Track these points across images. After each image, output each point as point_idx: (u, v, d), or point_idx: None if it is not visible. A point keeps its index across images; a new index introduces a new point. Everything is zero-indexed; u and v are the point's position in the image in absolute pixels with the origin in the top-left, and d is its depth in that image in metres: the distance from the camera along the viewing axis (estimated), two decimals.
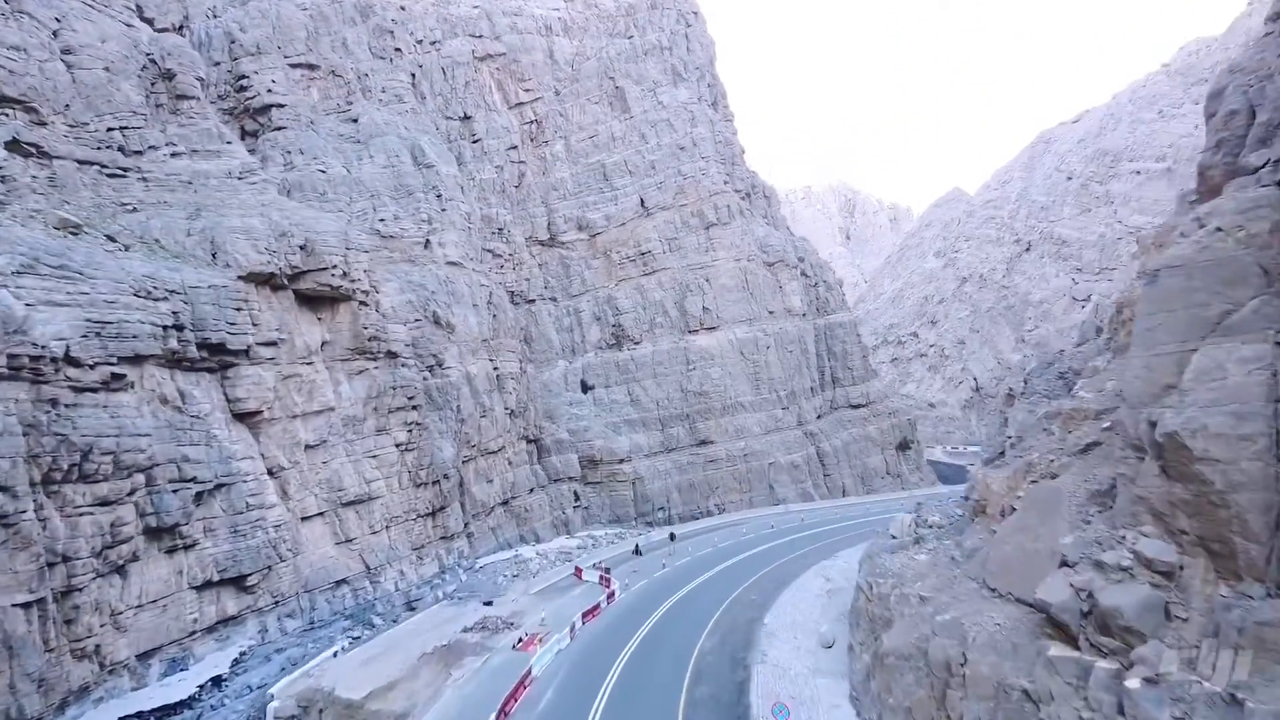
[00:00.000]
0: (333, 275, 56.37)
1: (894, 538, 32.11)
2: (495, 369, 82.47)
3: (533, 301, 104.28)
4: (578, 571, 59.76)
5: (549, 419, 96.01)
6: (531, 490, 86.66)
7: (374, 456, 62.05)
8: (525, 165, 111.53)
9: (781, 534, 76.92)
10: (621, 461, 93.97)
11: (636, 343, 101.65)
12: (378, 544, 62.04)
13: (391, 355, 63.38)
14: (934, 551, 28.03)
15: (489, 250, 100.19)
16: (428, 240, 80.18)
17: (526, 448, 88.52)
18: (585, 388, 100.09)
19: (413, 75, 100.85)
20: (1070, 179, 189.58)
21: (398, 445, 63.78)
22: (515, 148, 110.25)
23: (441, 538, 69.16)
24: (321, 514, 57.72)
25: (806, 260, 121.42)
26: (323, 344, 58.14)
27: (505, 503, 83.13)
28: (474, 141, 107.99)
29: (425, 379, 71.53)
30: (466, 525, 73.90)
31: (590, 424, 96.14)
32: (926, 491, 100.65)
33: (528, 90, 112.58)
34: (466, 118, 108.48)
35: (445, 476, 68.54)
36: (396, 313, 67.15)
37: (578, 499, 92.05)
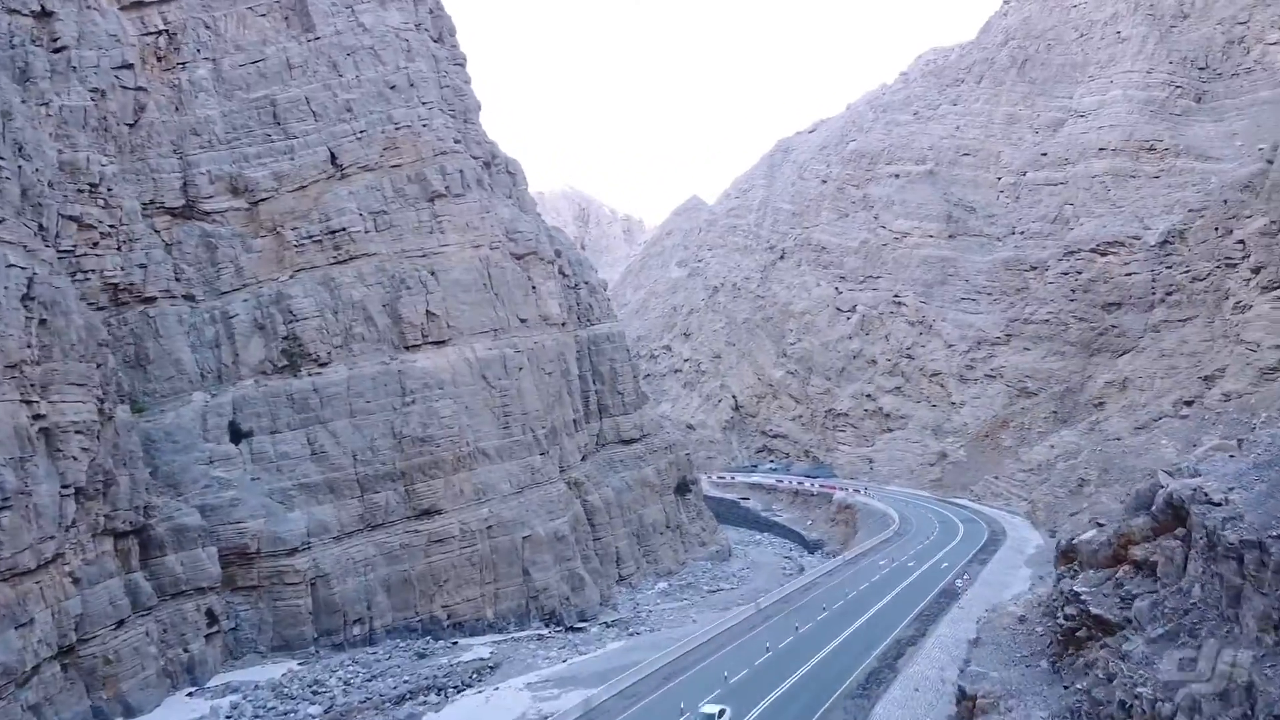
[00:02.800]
0: None
1: None
2: (36, 418, 45.62)
3: (151, 300, 66.88)
4: None
5: (171, 490, 59.61)
6: (121, 623, 50.43)
7: None
8: (147, 95, 73.58)
9: None
10: (293, 552, 59.66)
11: (323, 364, 67.60)
12: None
13: None
14: None
15: (71, 218, 62.07)
16: None
17: (113, 549, 51.89)
18: (238, 435, 64.38)
19: None
20: (825, 183, 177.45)
21: None
22: (130, 67, 72.22)
23: None
24: None
25: (565, 255, 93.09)
26: None
27: (64, 654, 46.57)
28: (56, 50, 68.77)
29: None
30: None
31: (243, 494, 60.81)
32: (780, 598, 66.35)
33: None
34: (45, 14, 69.07)
35: None
36: None
37: (214, 621, 56.52)
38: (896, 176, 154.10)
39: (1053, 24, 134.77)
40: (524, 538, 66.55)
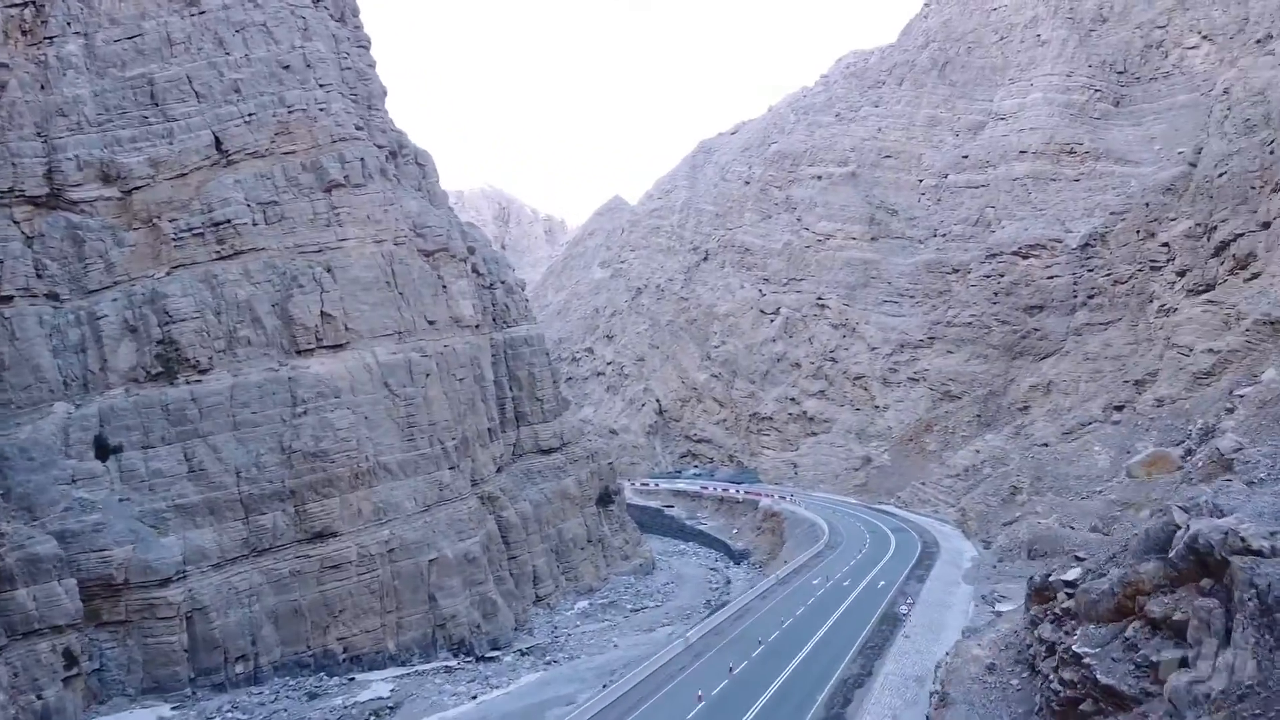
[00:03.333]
0: None
1: None
2: None
3: (8, 300, 59.48)
4: None
5: (25, 514, 52.49)
6: None
7: None
8: (9, 72, 65.68)
9: None
10: (166, 583, 53.15)
11: (203, 371, 61.06)
12: None
13: None
14: None
15: None
16: None
17: None
18: (104, 451, 57.43)
19: None
20: (748, 184, 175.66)
21: None
22: None
23: None
24: None
25: (479, 253, 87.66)
26: None
27: None
28: None
29: None
30: None
31: (109, 518, 54.01)
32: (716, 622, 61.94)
33: None
34: None
35: None
36: None
37: (73, 663, 49.75)
38: (819, 178, 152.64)
39: (973, 27, 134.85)
40: (430, 561, 61.13)
